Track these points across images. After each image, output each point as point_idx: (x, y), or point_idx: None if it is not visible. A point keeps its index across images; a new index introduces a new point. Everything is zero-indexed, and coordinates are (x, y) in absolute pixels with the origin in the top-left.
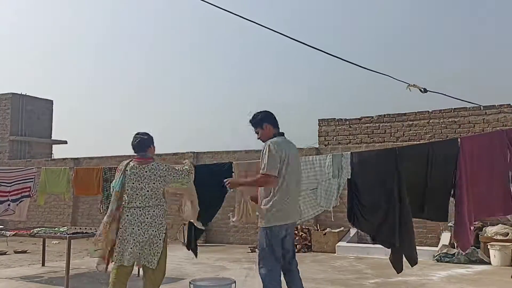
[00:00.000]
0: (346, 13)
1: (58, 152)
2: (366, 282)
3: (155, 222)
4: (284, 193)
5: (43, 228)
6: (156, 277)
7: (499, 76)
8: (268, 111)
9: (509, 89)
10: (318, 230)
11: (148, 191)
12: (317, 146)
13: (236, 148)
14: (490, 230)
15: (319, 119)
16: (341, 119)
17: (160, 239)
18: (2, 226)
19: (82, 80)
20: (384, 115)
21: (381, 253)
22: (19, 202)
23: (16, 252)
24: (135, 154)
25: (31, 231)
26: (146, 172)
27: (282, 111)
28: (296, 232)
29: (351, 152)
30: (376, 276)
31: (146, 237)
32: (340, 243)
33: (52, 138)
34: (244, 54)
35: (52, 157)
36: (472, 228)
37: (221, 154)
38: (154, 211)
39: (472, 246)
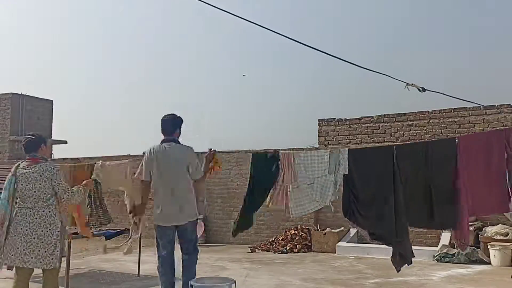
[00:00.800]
0: (346, 12)
1: (58, 152)
2: (366, 282)
3: (45, 222)
4: (155, 197)
5: None
6: (55, 277)
7: (499, 76)
8: (164, 117)
9: (509, 89)
10: (318, 230)
11: (35, 191)
12: (317, 146)
13: (236, 147)
14: (490, 230)
15: (319, 119)
16: (341, 119)
17: (53, 238)
18: None
19: (82, 80)
20: (384, 115)
21: (381, 253)
22: None
23: None
24: (26, 154)
25: None
26: (33, 173)
27: (282, 111)
28: (296, 232)
29: (348, 149)
30: (376, 276)
31: (34, 238)
32: (340, 243)
33: (52, 138)
34: (243, 53)
35: (52, 157)
36: (470, 227)
37: (221, 154)
38: (43, 211)
39: (472, 246)
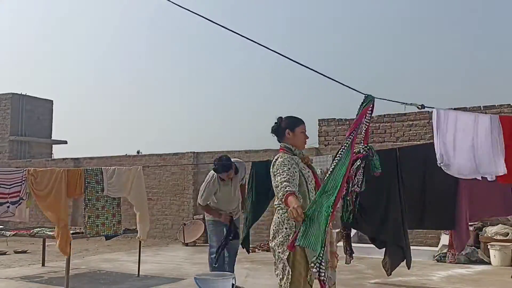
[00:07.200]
0: (347, 15)
1: (58, 152)
2: (366, 282)
3: None
4: None
5: (43, 228)
6: None
7: (499, 76)
8: None
9: (509, 89)
10: None
11: None
12: (317, 146)
13: (237, 147)
14: (490, 230)
15: (319, 119)
16: (341, 119)
17: None
18: (2, 226)
19: (82, 80)
20: (384, 115)
21: (381, 253)
22: (19, 205)
23: (16, 252)
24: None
25: (31, 231)
26: None
27: (282, 111)
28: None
29: None
30: (376, 276)
31: None
32: (340, 243)
33: (52, 138)
34: (244, 53)
35: (52, 157)
36: (469, 228)
37: (221, 154)
38: None
39: (472, 246)
